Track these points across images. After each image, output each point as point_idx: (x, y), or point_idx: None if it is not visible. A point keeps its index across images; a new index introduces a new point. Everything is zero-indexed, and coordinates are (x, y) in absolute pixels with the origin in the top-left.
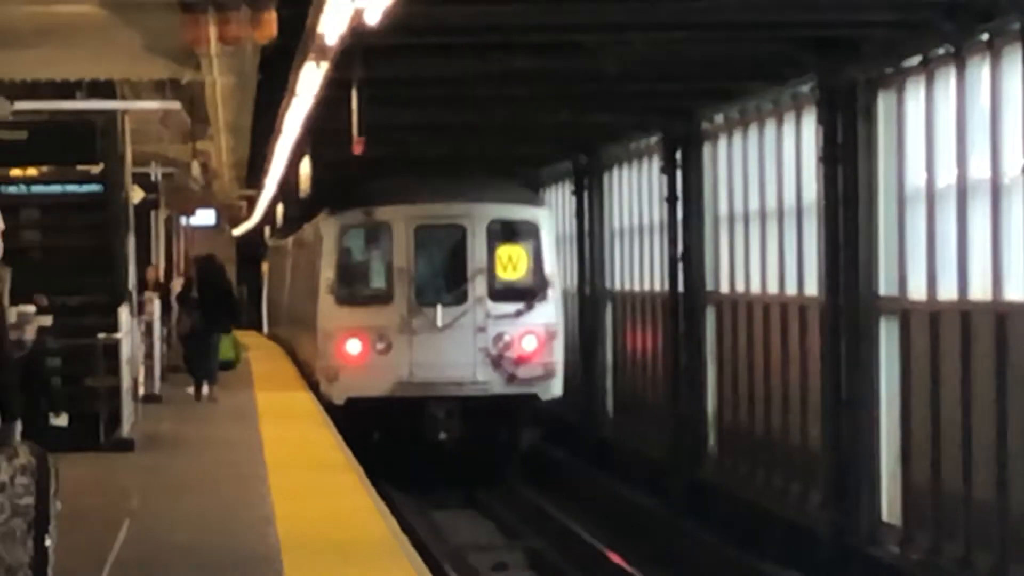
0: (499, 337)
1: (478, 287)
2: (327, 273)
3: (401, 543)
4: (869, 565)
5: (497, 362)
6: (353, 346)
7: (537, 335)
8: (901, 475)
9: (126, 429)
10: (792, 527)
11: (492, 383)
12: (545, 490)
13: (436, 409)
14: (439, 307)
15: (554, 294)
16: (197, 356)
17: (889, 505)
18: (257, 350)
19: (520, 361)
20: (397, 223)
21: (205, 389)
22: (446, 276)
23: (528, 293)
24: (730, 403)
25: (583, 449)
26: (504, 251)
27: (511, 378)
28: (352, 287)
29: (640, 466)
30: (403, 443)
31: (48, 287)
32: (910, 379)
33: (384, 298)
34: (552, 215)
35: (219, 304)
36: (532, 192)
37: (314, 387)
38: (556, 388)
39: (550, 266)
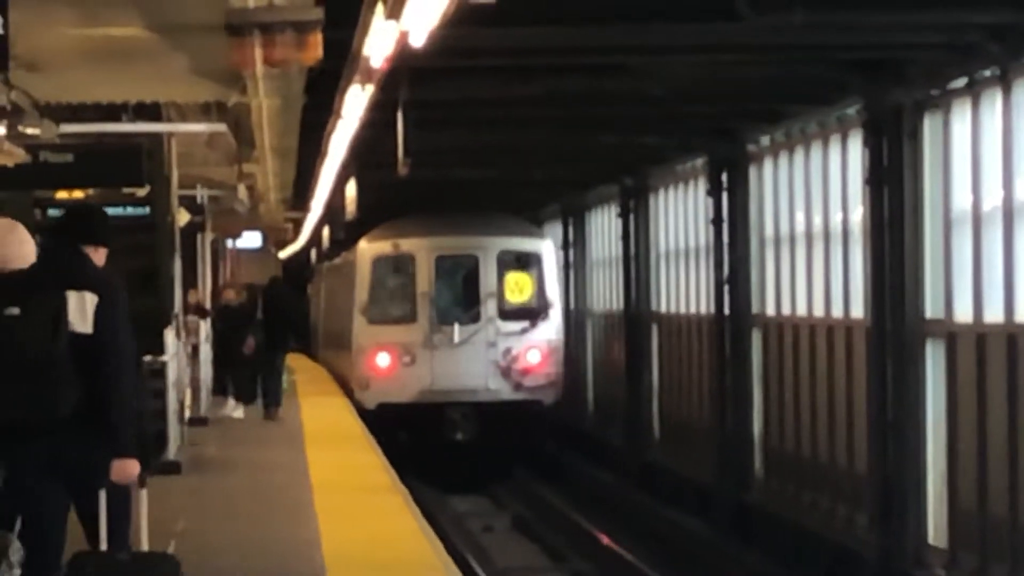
0: (507, 351)
1: (489, 308)
2: (361, 296)
3: (446, 565)
4: None
5: (506, 372)
6: (383, 359)
7: (540, 349)
8: (947, 497)
9: (172, 452)
10: (838, 549)
11: (502, 390)
12: (592, 513)
13: (454, 413)
14: (456, 325)
15: (555, 314)
16: (264, 377)
17: (935, 527)
18: (304, 373)
19: (526, 372)
20: (420, 254)
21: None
22: (462, 299)
23: (532, 313)
24: (776, 426)
25: (629, 472)
26: (512, 277)
27: (518, 386)
28: (382, 309)
29: (687, 489)
30: (426, 442)
31: None
32: (956, 401)
33: (409, 318)
34: (553, 246)
35: (283, 326)
36: (536, 227)
37: (349, 394)
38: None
39: (551, 290)
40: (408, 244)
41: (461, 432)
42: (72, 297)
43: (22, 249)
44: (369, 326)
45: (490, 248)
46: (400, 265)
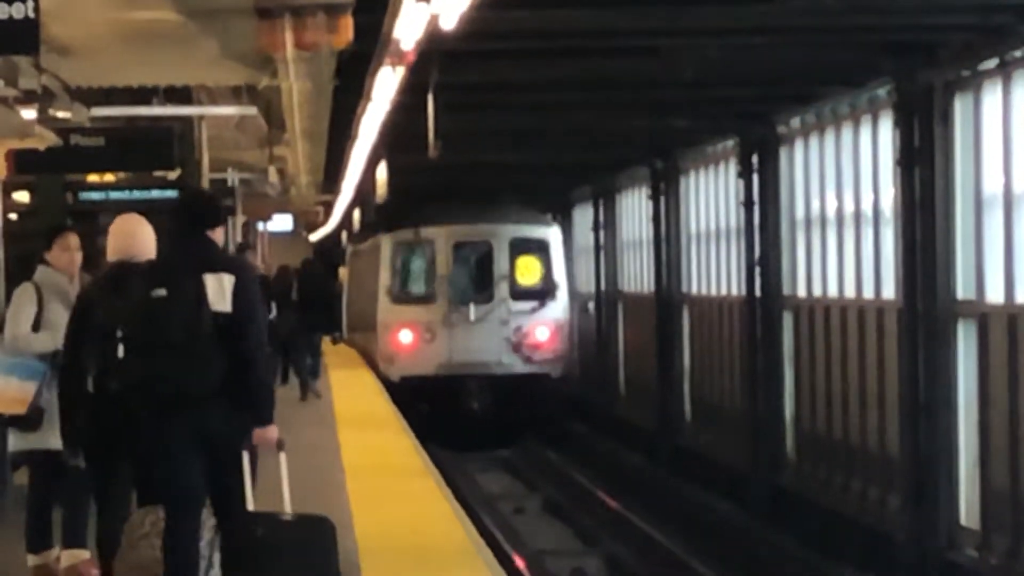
0: (518, 328)
1: (502, 289)
2: (385, 279)
3: (479, 549)
4: (947, 569)
5: (517, 348)
6: (405, 336)
7: (548, 327)
8: (979, 479)
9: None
10: (871, 532)
11: (514, 364)
12: (623, 496)
13: (470, 384)
14: (472, 305)
15: (562, 295)
16: (300, 356)
17: (967, 509)
18: (335, 355)
19: (535, 347)
20: (439, 240)
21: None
22: (477, 281)
23: (541, 294)
24: (808, 408)
25: (660, 455)
26: (522, 261)
27: (528, 360)
28: (404, 290)
29: (719, 472)
30: (445, 411)
31: None
32: (988, 382)
33: (429, 298)
34: (559, 232)
35: (318, 307)
36: (544, 215)
37: (375, 368)
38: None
39: (558, 273)
40: (428, 231)
41: (477, 402)
42: (210, 279)
43: (151, 241)
44: (393, 306)
45: (502, 235)
46: (421, 250)
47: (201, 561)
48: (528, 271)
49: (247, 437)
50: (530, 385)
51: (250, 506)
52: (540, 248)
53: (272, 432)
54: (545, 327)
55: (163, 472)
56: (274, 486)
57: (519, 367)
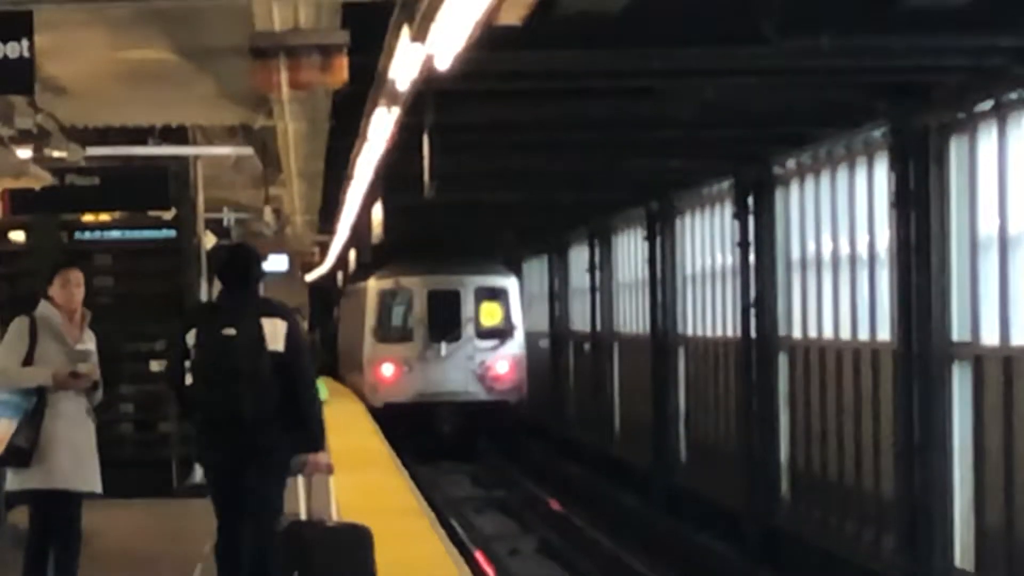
0: (482, 363)
1: (469, 330)
2: (370, 321)
3: None
4: None
5: (481, 379)
6: (387, 369)
7: (508, 361)
8: (974, 521)
9: (199, 475)
10: (865, 573)
11: (478, 393)
12: (618, 536)
13: (442, 410)
14: (443, 343)
15: (518, 334)
16: None
17: (962, 551)
18: (327, 394)
19: (496, 379)
20: (417, 288)
21: None
22: (447, 323)
23: (501, 334)
24: (803, 449)
25: (656, 496)
26: (485, 306)
27: (490, 390)
28: (387, 330)
29: (714, 513)
30: (420, 431)
31: (120, 332)
32: (983, 424)
33: (408, 337)
34: (517, 282)
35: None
36: (505, 267)
37: (361, 397)
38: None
39: (515, 316)
40: (407, 280)
41: (447, 424)
42: (266, 323)
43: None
44: (376, 343)
45: (469, 284)
46: (400, 296)
47: None
48: (490, 314)
49: (299, 461)
50: (492, 411)
51: (303, 515)
52: (501, 295)
53: (324, 457)
54: (505, 361)
55: (221, 485)
56: (323, 503)
57: (483, 395)
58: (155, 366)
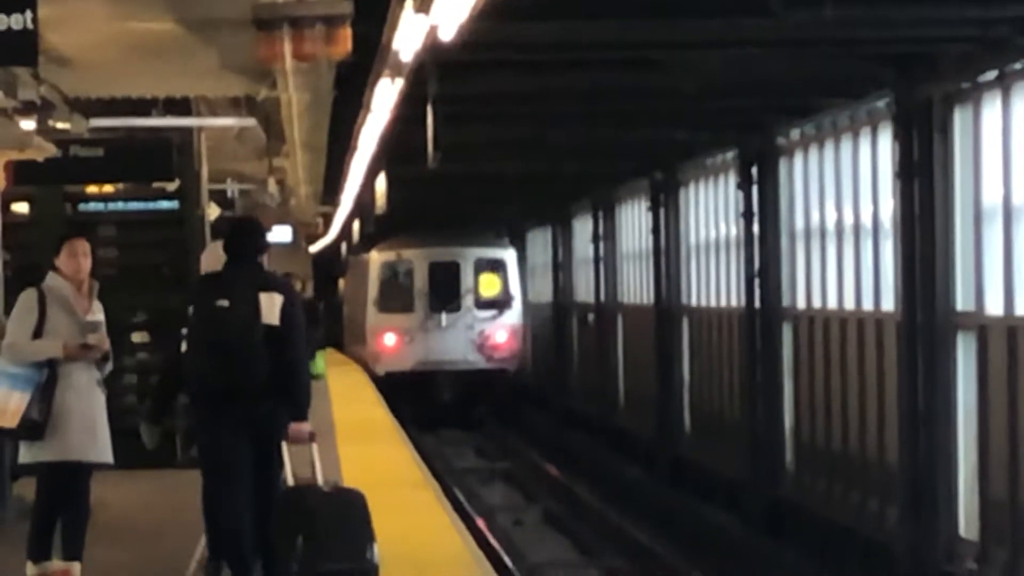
0: (481, 332)
1: (468, 300)
2: (373, 292)
3: (478, 560)
4: None
5: (480, 348)
6: (389, 339)
7: (506, 331)
8: (978, 491)
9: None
10: (869, 543)
11: (477, 362)
12: (622, 507)
13: (442, 379)
14: (444, 313)
15: (516, 304)
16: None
17: (967, 521)
18: (334, 367)
19: (495, 348)
20: (417, 260)
21: None
22: (448, 293)
23: (500, 304)
24: (807, 420)
25: (659, 467)
26: (484, 277)
27: (489, 358)
28: (388, 301)
29: (718, 483)
30: (422, 399)
31: (123, 303)
32: (987, 394)
33: (409, 308)
34: (515, 254)
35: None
36: (503, 239)
37: (364, 366)
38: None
39: (514, 287)
40: (408, 253)
41: (447, 392)
42: (263, 297)
43: (221, 260)
44: (379, 314)
45: (468, 256)
46: (402, 268)
47: None
48: (489, 285)
49: (285, 428)
50: (490, 379)
51: (290, 482)
52: (499, 266)
53: (306, 427)
54: (503, 331)
55: (214, 450)
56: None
57: (482, 364)
58: (136, 337)
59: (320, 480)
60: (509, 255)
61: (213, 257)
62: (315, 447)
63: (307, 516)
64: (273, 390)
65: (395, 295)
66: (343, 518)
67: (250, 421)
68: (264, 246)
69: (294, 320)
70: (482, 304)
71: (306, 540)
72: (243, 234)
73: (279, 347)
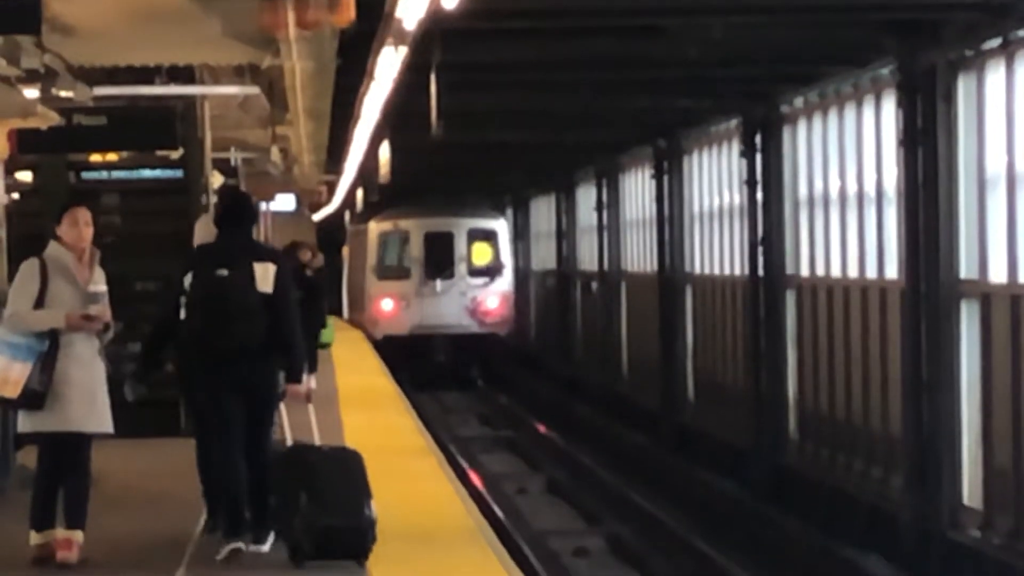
0: (474, 299)
1: (461, 268)
2: (371, 260)
3: (481, 528)
4: (950, 549)
5: (473, 313)
6: (387, 304)
7: (497, 297)
8: (982, 458)
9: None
10: (873, 511)
11: (470, 326)
12: (625, 475)
13: (437, 342)
14: (438, 280)
15: (507, 272)
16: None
17: (970, 489)
18: (337, 331)
19: (487, 313)
20: (413, 230)
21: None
22: (442, 262)
23: (491, 271)
24: (811, 387)
25: (663, 435)
26: (476, 246)
27: (481, 323)
28: (386, 268)
29: (721, 451)
30: (418, 362)
31: (127, 272)
32: (991, 362)
33: (406, 275)
34: (506, 224)
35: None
36: (495, 210)
37: (364, 330)
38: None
39: (504, 255)
40: (404, 223)
41: (441, 354)
42: (257, 267)
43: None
44: (377, 281)
45: (462, 226)
46: (399, 237)
47: None
48: (481, 254)
49: (281, 390)
50: (482, 342)
51: (289, 441)
52: (491, 236)
53: (303, 388)
54: (495, 297)
55: (210, 409)
56: (306, 429)
57: (474, 328)
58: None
59: (317, 440)
60: (500, 226)
61: (205, 229)
62: (312, 408)
63: (308, 472)
64: (268, 352)
65: (392, 263)
66: (342, 475)
67: (247, 382)
68: (255, 218)
69: (286, 288)
70: (474, 272)
71: (308, 496)
72: (236, 207)
73: (273, 313)
